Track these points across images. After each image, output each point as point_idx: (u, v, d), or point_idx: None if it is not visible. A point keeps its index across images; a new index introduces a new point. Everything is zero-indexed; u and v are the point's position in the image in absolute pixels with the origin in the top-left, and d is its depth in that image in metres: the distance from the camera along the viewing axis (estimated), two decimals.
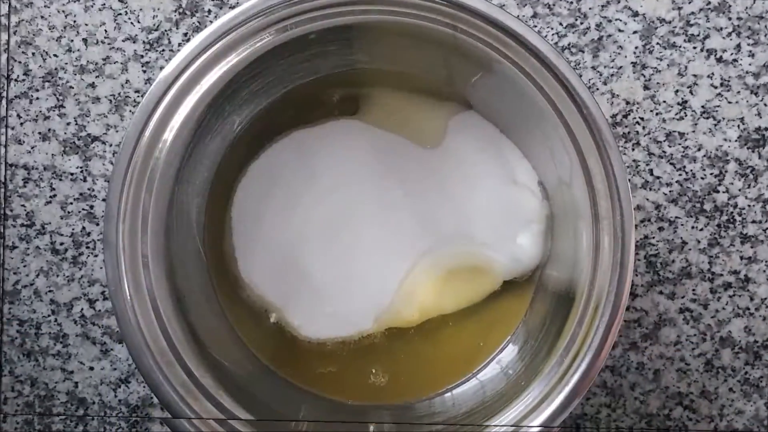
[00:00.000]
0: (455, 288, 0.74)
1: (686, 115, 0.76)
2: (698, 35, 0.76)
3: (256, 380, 0.72)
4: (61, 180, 0.76)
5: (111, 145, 0.76)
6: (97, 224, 0.76)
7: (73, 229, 0.76)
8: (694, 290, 0.76)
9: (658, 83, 0.76)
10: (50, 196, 0.76)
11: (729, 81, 0.76)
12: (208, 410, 0.63)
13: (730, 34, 0.76)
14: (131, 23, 0.76)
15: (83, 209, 0.76)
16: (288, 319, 0.73)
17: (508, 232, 0.73)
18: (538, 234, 0.73)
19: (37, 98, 0.76)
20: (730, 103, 0.76)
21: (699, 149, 0.76)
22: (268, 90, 0.69)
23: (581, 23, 0.76)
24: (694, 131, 0.76)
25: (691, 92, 0.76)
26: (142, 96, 0.74)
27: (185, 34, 0.76)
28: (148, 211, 0.63)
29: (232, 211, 0.73)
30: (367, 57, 0.70)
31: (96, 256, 0.77)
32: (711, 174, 0.76)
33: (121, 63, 0.76)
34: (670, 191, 0.76)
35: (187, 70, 0.62)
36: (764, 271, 0.76)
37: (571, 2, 0.75)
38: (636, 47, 0.76)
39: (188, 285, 0.68)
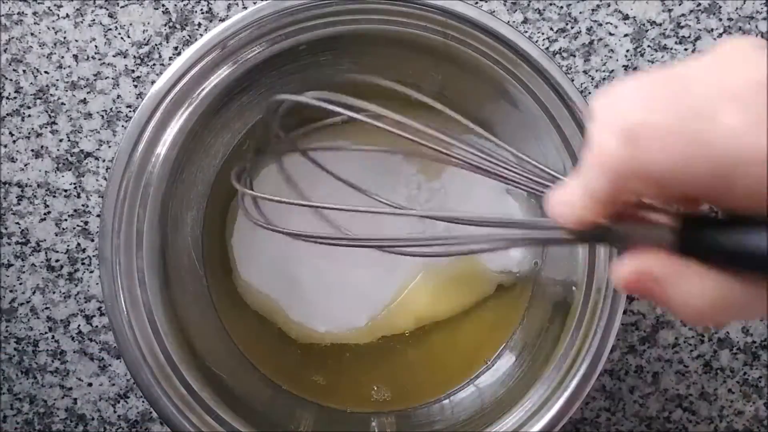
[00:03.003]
0: (449, 295, 0.74)
1: None
2: (689, 37, 0.76)
3: (254, 391, 0.72)
4: (54, 197, 0.76)
5: (104, 161, 0.76)
6: (92, 240, 0.76)
7: (68, 246, 0.76)
8: None
9: None
10: (44, 213, 0.76)
11: None
12: (207, 423, 0.63)
13: (720, 35, 0.76)
14: (121, 38, 0.76)
15: (78, 225, 0.76)
16: (286, 320, 0.74)
17: None
18: None
19: (29, 115, 0.76)
20: None
21: None
22: (261, 103, 0.69)
23: (572, 27, 0.76)
24: None
25: None
26: (133, 111, 0.74)
27: (176, 48, 0.76)
28: (143, 225, 0.63)
29: (231, 223, 0.73)
30: (359, 67, 0.70)
31: (92, 272, 0.76)
32: None
33: (112, 78, 0.76)
34: None
35: (178, 84, 0.62)
36: None
37: (562, 7, 0.75)
38: (627, 50, 0.76)
39: (184, 298, 0.68)
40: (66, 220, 0.76)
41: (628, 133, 0.36)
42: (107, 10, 0.76)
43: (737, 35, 0.36)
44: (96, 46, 0.76)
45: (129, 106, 0.76)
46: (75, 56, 0.76)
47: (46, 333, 0.77)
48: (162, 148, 0.63)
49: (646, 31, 0.76)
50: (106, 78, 0.76)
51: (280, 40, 0.63)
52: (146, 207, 0.63)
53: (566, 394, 0.61)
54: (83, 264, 0.76)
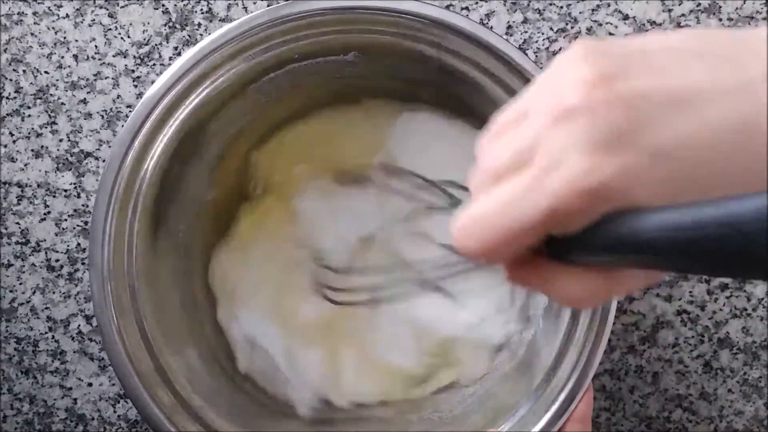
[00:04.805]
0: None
1: None
2: None
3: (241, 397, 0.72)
4: (54, 197, 0.76)
5: (104, 161, 0.76)
6: None
7: (68, 246, 0.77)
8: (690, 292, 0.76)
9: None
10: (44, 213, 0.76)
11: None
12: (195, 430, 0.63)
13: None
14: (121, 38, 0.76)
15: (78, 225, 0.76)
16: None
17: None
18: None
19: (29, 115, 0.76)
20: None
21: None
22: (254, 108, 0.69)
23: (572, 27, 0.75)
24: None
25: None
26: (133, 111, 0.75)
27: (176, 48, 0.76)
28: (134, 232, 0.63)
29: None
30: (359, 69, 0.70)
31: None
32: None
33: (112, 78, 0.76)
34: None
35: (173, 89, 0.62)
36: None
37: (562, 7, 0.75)
38: None
39: (174, 305, 0.68)
40: (66, 220, 0.76)
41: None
42: (107, 10, 0.76)
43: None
44: (96, 46, 0.76)
45: (129, 106, 0.76)
46: (75, 56, 0.76)
47: (46, 333, 0.77)
48: (154, 154, 0.63)
49: (646, 31, 0.75)
50: (106, 78, 0.76)
51: (274, 48, 0.64)
52: (137, 212, 0.63)
53: (562, 397, 0.62)
54: (83, 264, 0.77)
